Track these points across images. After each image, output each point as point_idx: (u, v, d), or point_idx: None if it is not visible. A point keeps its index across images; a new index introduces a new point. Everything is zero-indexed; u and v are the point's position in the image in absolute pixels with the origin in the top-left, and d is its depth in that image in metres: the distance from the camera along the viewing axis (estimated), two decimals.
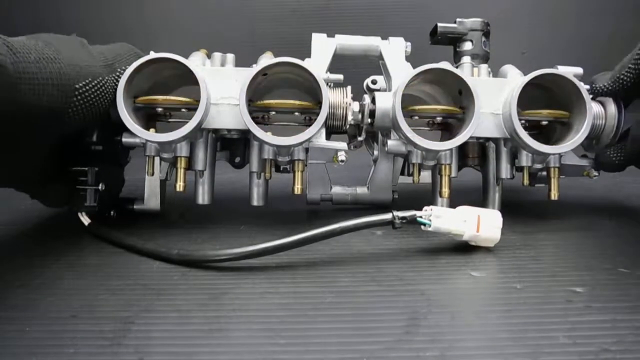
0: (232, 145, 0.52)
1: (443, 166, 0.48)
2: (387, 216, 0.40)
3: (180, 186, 0.46)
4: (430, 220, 0.41)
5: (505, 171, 0.50)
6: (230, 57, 0.49)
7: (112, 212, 0.50)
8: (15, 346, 0.29)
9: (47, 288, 0.36)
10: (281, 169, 0.50)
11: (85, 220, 0.46)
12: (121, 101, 0.42)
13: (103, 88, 0.41)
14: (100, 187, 0.45)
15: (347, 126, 0.48)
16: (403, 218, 0.40)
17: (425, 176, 0.52)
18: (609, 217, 0.54)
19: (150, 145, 0.45)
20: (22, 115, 0.35)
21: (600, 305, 0.34)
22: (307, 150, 0.47)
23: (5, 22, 1.09)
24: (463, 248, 0.43)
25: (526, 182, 0.49)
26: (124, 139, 0.45)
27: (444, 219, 0.41)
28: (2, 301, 0.34)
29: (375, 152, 0.55)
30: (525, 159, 0.49)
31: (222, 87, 0.46)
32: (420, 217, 0.41)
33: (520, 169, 0.50)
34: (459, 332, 0.31)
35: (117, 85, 0.43)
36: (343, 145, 0.47)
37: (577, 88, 0.46)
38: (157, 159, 0.47)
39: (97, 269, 0.40)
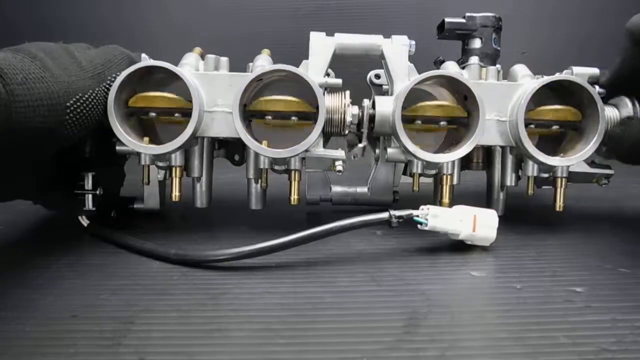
0: (230, 144, 0.52)
1: (444, 176, 0.48)
2: (384, 215, 0.40)
3: (176, 196, 0.46)
4: (426, 220, 0.41)
5: (510, 179, 0.50)
6: (224, 60, 0.48)
7: (112, 213, 0.50)
8: (15, 346, 0.29)
9: (47, 288, 0.36)
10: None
11: (85, 222, 0.46)
12: (112, 113, 0.42)
13: (95, 101, 0.41)
14: (98, 192, 0.45)
15: (346, 132, 0.47)
16: (400, 217, 0.41)
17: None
18: (609, 217, 0.54)
19: (145, 155, 0.45)
20: (15, 138, 0.34)
21: (600, 305, 0.34)
22: (304, 158, 0.47)
23: (4, 21, 1.08)
24: (463, 248, 0.43)
25: (530, 192, 0.48)
26: (118, 148, 0.45)
27: (440, 218, 0.41)
28: (2, 301, 0.34)
29: (377, 151, 0.55)
30: (531, 169, 0.48)
31: (216, 94, 0.45)
32: (417, 216, 0.41)
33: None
34: (459, 332, 0.31)
35: (108, 95, 0.42)
36: (341, 154, 0.46)
37: (589, 93, 0.45)
38: (152, 167, 0.47)
39: (97, 269, 0.40)
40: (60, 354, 0.28)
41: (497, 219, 0.42)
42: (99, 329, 0.31)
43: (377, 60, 0.51)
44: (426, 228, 0.41)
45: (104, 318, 0.32)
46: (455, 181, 0.49)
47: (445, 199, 0.48)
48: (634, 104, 0.48)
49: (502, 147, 0.50)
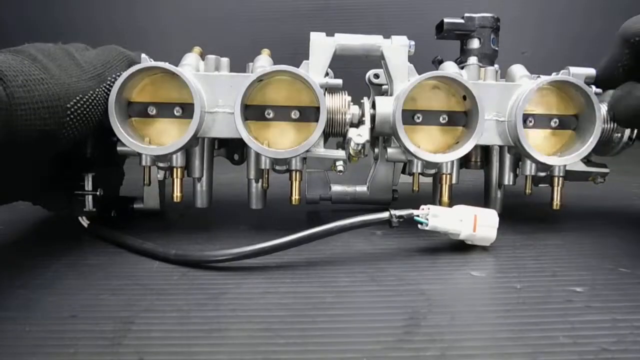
0: (231, 143, 0.52)
1: (444, 175, 0.48)
2: (384, 215, 0.41)
3: (177, 197, 0.46)
4: (427, 219, 0.41)
5: (508, 177, 0.50)
6: (224, 61, 0.48)
7: (112, 212, 0.50)
8: (15, 346, 0.29)
9: (47, 288, 0.36)
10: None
11: (85, 222, 0.46)
12: (113, 115, 0.42)
13: (95, 102, 0.40)
14: (98, 193, 0.45)
15: (346, 130, 0.47)
16: (400, 217, 0.41)
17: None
18: (609, 216, 0.54)
19: (146, 156, 0.45)
20: (15, 141, 0.34)
21: (600, 305, 0.34)
22: (304, 158, 0.47)
23: None
24: (463, 248, 0.43)
25: (528, 191, 0.49)
26: (119, 149, 0.45)
27: (441, 218, 0.41)
28: (2, 301, 0.34)
29: (376, 150, 0.55)
30: (528, 168, 0.48)
31: (217, 94, 0.45)
32: (417, 215, 0.41)
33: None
34: (459, 332, 0.31)
35: (108, 96, 0.42)
36: (342, 154, 0.46)
37: (586, 94, 0.45)
38: (153, 168, 0.47)
39: (97, 269, 0.40)
40: (60, 354, 0.28)
41: (497, 219, 0.42)
42: (99, 329, 0.31)
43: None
44: (427, 228, 0.41)
45: (104, 318, 0.32)
46: (454, 180, 0.49)
47: (445, 198, 0.48)
48: None
49: (500, 146, 0.50)
